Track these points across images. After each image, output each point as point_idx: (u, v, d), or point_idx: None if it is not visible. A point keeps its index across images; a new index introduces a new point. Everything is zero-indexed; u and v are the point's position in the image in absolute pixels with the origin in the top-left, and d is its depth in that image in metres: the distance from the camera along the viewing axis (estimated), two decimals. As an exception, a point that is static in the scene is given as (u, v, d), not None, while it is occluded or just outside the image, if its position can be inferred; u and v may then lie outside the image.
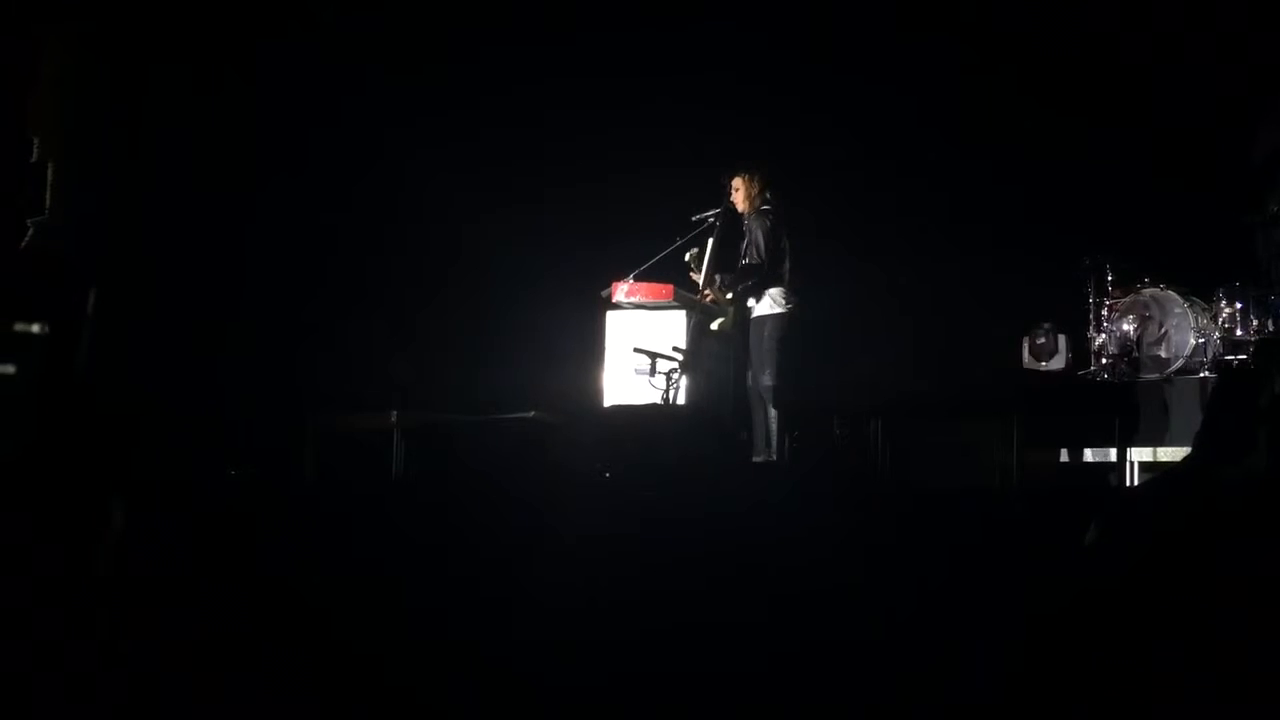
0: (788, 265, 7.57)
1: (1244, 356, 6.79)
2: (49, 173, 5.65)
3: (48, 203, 5.63)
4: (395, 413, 7.62)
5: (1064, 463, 6.85)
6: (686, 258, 7.52)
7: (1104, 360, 7.35)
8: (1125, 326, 7.31)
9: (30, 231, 5.53)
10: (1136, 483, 6.41)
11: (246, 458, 7.37)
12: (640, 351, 7.26)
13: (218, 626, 3.25)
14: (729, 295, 7.54)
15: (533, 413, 7.37)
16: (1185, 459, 2.75)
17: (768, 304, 7.54)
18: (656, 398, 7.09)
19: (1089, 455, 6.81)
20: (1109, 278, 7.47)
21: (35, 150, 5.59)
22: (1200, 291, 7.25)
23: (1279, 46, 6.99)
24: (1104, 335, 7.38)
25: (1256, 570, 1.70)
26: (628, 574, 3.10)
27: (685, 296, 7.49)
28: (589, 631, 3.00)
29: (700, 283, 7.49)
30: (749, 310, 7.58)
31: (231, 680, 3.06)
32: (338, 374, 8.23)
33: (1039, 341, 7.67)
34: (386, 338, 8.55)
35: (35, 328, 5.57)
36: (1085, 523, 1.92)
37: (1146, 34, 7.64)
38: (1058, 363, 7.63)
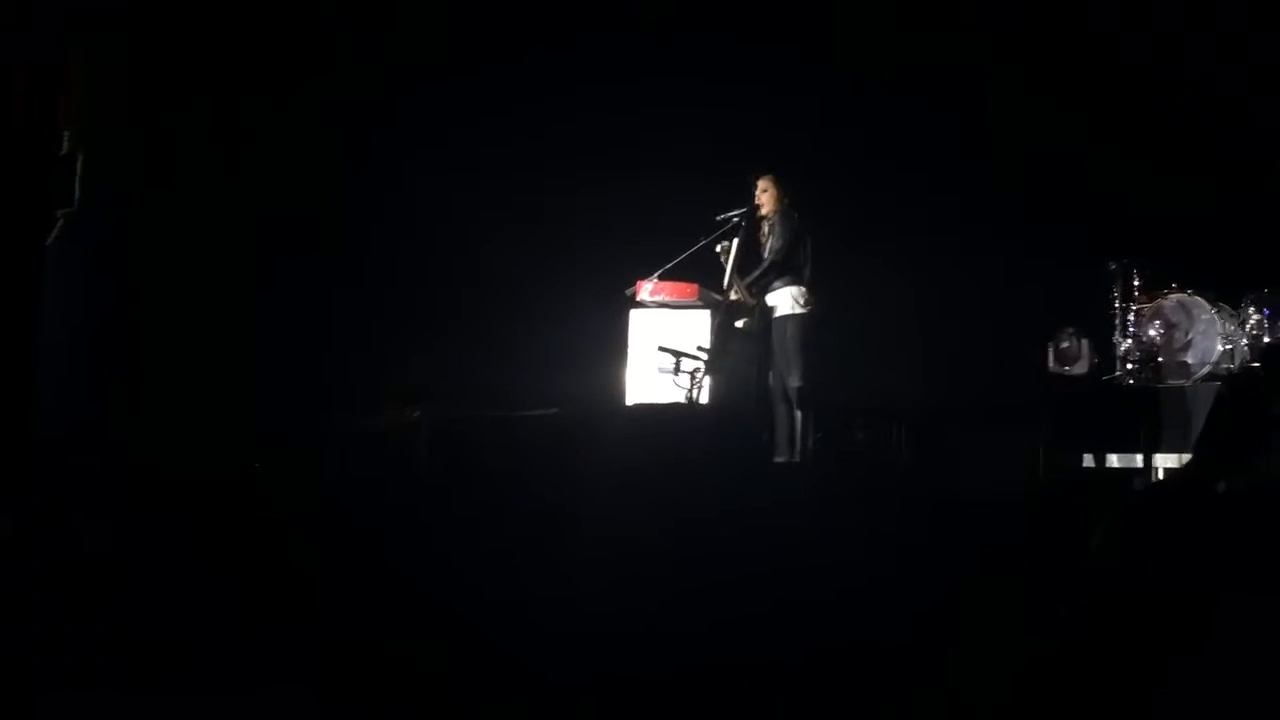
0: (809, 266, 7.56)
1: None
2: (78, 165, 5.71)
3: (76, 193, 5.69)
4: (419, 409, 7.65)
5: (1088, 468, 6.82)
6: (717, 249, 7.49)
7: (1129, 365, 7.32)
8: (1151, 332, 7.29)
9: (59, 223, 5.59)
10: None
11: (271, 453, 7.42)
12: (665, 350, 7.26)
13: (231, 622, 3.26)
14: (752, 294, 7.53)
15: (556, 409, 7.38)
16: (1188, 464, 2.73)
17: (789, 304, 7.52)
18: (680, 396, 7.08)
19: (1114, 461, 6.77)
20: (1135, 282, 7.45)
21: (66, 143, 5.65)
22: (1227, 297, 7.21)
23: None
24: (1129, 340, 7.36)
25: (1264, 574, 1.70)
26: (649, 572, 3.11)
27: (710, 296, 7.48)
28: (611, 628, 3.01)
29: (725, 281, 7.48)
30: (772, 310, 7.57)
31: (243, 676, 3.07)
32: (364, 371, 8.27)
33: (1063, 346, 7.64)
34: (412, 335, 8.59)
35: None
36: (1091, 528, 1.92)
37: (1180, 36, 7.61)
38: (1081, 368, 7.60)
